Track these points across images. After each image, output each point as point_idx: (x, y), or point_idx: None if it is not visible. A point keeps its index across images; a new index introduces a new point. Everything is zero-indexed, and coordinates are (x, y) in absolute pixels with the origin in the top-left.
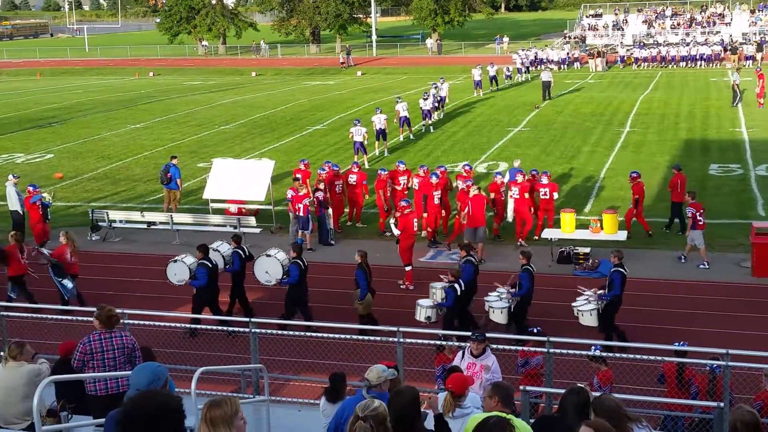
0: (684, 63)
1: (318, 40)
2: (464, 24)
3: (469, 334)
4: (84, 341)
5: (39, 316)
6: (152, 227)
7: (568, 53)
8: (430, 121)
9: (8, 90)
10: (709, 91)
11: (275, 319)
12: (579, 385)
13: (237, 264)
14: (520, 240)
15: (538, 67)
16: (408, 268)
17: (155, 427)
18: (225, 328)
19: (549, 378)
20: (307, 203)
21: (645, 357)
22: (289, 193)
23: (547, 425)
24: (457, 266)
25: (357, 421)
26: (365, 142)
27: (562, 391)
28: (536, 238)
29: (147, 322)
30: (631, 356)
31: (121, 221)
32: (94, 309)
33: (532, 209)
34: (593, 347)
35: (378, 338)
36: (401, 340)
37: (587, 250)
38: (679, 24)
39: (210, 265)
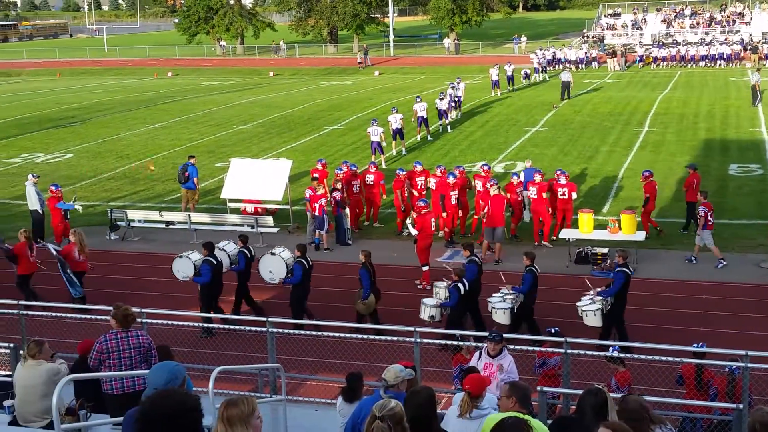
0: (703, 62)
1: (335, 40)
2: (482, 24)
3: (486, 334)
4: (100, 340)
5: (58, 315)
6: (170, 227)
7: (586, 53)
8: (447, 121)
9: (28, 90)
10: (729, 90)
11: (291, 318)
12: (597, 386)
13: (242, 263)
14: (544, 241)
15: (556, 66)
16: (425, 268)
17: (173, 426)
18: (242, 327)
19: (566, 379)
20: (323, 203)
21: (664, 358)
22: (307, 193)
23: (564, 426)
24: (461, 266)
25: (374, 420)
26: (383, 142)
27: (580, 392)
28: (554, 238)
29: (165, 322)
30: (650, 357)
31: (139, 221)
32: (111, 308)
33: (550, 209)
34: (611, 348)
35: (395, 338)
36: (418, 340)
37: (605, 250)
38: (698, 23)
39: (214, 263)
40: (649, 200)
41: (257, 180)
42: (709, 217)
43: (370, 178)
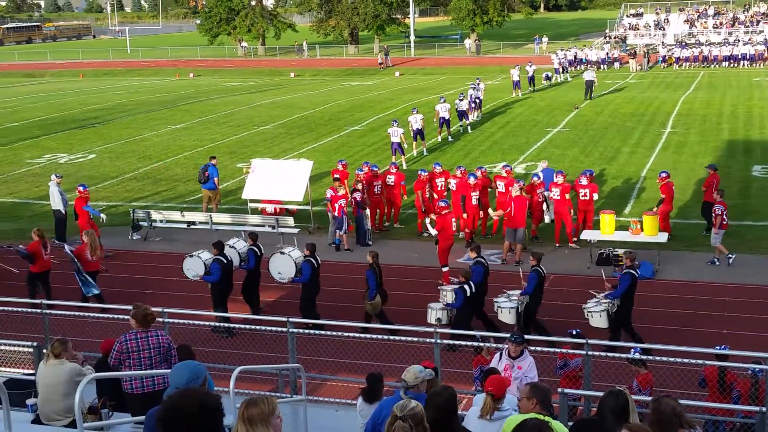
0: (726, 63)
1: (356, 41)
2: (503, 24)
3: (508, 335)
4: (120, 340)
5: (81, 314)
6: (192, 227)
7: (607, 53)
8: (467, 122)
9: (52, 91)
10: (752, 91)
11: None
12: (618, 388)
13: (252, 261)
14: (569, 243)
15: (577, 67)
16: (445, 269)
17: (195, 426)
18: (263, 327)
19: (587, 380)
20: (343, 204)
21: (686, 360)
22: (329, 193)
23: (585, 428)
24: (468, 267)
25: (396, 421)
26: (403, 143)
27: (601, 393)
28: (575, 239)
29: (187, 321)
30: (672, 359)
31: (161, 221)
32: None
33: (572, 210)
34: (632, 350)
35: (415, 339)
36: (438, 341)
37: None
38: (721, 23)
39: (225, 262)
40: (665, 201)
41: (278, 180)
42: (724, 216)
43: (390, 179)
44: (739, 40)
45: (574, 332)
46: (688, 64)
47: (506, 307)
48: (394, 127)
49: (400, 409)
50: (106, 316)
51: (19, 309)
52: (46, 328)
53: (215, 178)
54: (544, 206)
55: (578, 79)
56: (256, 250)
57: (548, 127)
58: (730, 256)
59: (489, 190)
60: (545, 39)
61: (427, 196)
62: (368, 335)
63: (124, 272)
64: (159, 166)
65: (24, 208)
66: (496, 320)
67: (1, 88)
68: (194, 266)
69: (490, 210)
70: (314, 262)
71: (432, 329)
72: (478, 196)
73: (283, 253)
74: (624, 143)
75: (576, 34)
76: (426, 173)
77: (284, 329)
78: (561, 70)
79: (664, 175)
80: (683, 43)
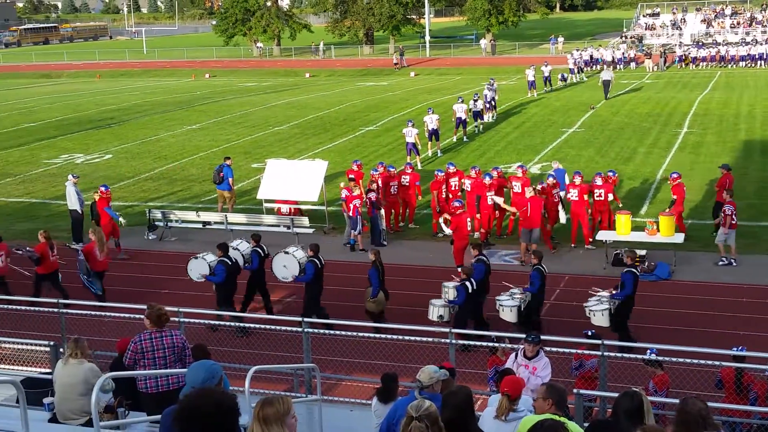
0: (744, 63)
1: (371, 41)
2: (518, 24)
3: (525, 336)
4: (135, 340)
5: (97, 313)
6: (207, 227)
7: (623, 53)
8: (481, 122)
9: (68, 91)
10: None
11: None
12: (634, 389)
13: (255, 262)
14: (585, 244)
15: (593, 67)
16: (461, 269)
17: (211, 425)
18: (277, 327)
19: (603, 381)
20: (358, 204)
21: (703, 362)
22: (344, 193)
23: (600, 430)
24: (469, 265)
25: (412, 421)
26: (417, 144)
27: (617, 395)
28: (591, 239)
29: (202, 321)
30: (689, 361)
31: (177, 221)
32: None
33: (590, 210)
34: (649, 351)
35: (430, 339)
36: (453, 341)
37: (643, 252)
38: (738, 23)
39: (229, 263)
40: (677, 202)
41: (293, 181)
42: (734, 217)
43: (405, 179)
44: (756, 40)
45: (589, 333)
46: (705, 63)
47: (508, 305)
48: (409, 127)
49: (415, 410)
50: (121, 315)
51: (36, 308)
52: (62, 328)
53: (230, 179)
54: (560, 206)
55: (594, 79)
56: (260, 251)
57: (564, 127)
58: (724, 260)
59: (504, 190)
60: (561, 39)
61: (444, 196)
62: (383, 335)
63: (140, 272)
64: (174, 167)
65: (41, 208)
66: (496, 319)
67: (19, 88)
68: (198, 268)
69: (505, 205)
70: (318, 262)
71: (447, 330)
72: (493, 196)
73: (287, 252)
74: (640, 143)
75: (592, 34)
76: (442, 173)
77: (299, 329)
78: (576, 70)
79: (675, 175)
80: (700, 43)
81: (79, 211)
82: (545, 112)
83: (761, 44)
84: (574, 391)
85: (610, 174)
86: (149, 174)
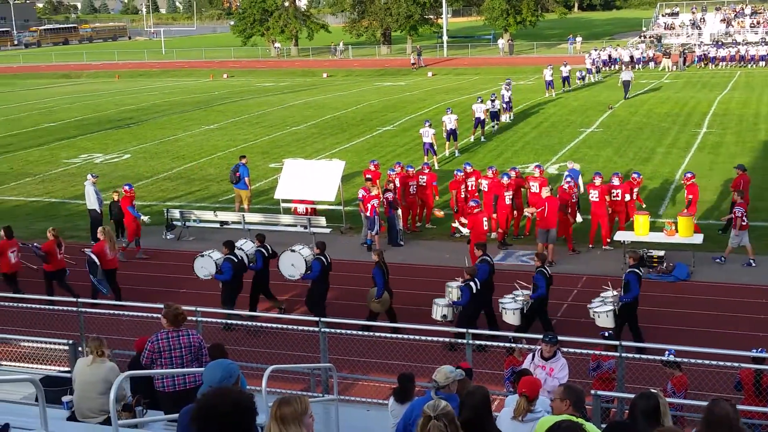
0: (763, 62)
1: (389, 41)
2: (536, 24)
3: (542, 336)
4: (152, 339)
5: (115, 312)
6: (225, 227)
7: (642, 53)
8: (496, 123)
9: (88, 91)
10: None
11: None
12: (652, 390)
13: (260, 262)
14: (603, 245)
15: (611, 67)
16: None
17: (229, 424)
18: (294, 327)
19: (621, 383)
20: (375, 204)
21: (721, 363)
22: (361, 193)
23: (617, 431)
24: (473, 265)
25: (430, 421)
26: (434, 144)
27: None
28: (609, 240)
29: (219, 321)
30: (707, 362)
31: (195, 220)
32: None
33: (610, 210)
34: (667, 352)
35: (446, 339)
36: (470, 341)
37: (661, 253)
38: (758, 23)
39: (236, 260)
40: (692, 202)
41: (310, 180)
42: (744, 218)
43: (422, 179)
44: None
45: (606, 334)
46: (724, 63)
47: (510, 308)
48: (426, 127)
49: (432, 409)
50: (139, 314)
51: (54, 307)
52: (81, 327)
53: (246, 178)
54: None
55: (613, 78)
56: (264, 251)
57: (582, 127)
58: (723, 257)
59: (521, 190)
60: (579, 39)
61: (462, 196)
62: (400, 335)
63: (158, 271)
64: (192, 166)
65: (60, 207)
66: (500, 320)
67: (39, 88)
68: (206, 266)
69: (526, 210)
70: (324, 260)
71: (464, 330)
72: (511, 196)
73: (293, 251)
74: (659, 144)
75: (610, 33)
76: (461, 173)
77: (316, 329)
78: (594, 70)
79: (689, 175)
80: (720, 43)
81: (98, 211)
82: (563, 112)
83: None
84: (592, 392)
85: (635, 175)
86: (167, 174)
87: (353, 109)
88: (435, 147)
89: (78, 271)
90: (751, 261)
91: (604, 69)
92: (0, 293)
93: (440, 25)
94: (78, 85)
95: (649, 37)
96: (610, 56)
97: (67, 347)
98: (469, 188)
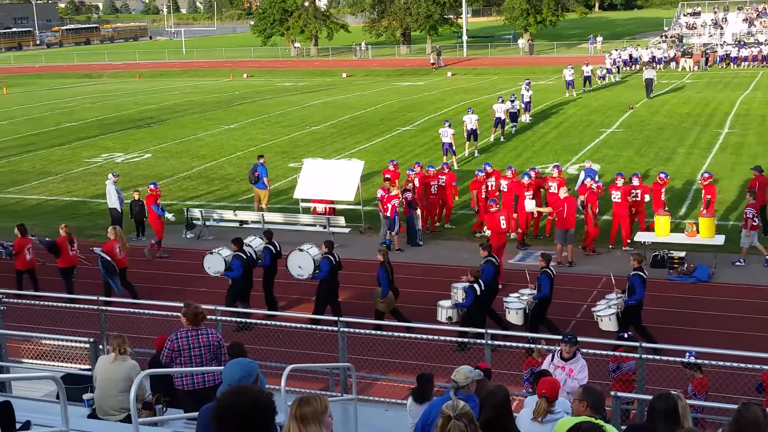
0: None
1: (408, 41)
2: (557, 24)
3: (561, 336)
4: (172, 338)
5: (135, 310)
6: (244, 226)
7: (664, 52)
8: (513, 124)
9: (109, 91)
10: None
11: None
12: (673, 392)
13: (267, 259)
14: (623, 246)
15: (632, 66)
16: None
17: (249, 423)
18: (313, 326)
19: (641, 384)
20: (396, 204)
21: (743, 365)
22: (379, 193)
23: None
24: (478, 266)
25: (450, 421)
26: (453, 144)
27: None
28: (629, 241)
29: (238, 320)
30: (729, 364)
31: (215, 220)
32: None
33: (634, 210)
34: (688, 354)
35: (465, 340)
36: (489, 342)
37: (682, 254)
38: None
39: (244, 257)
40: (710, 203)
41: (329, 180)
42: (755, 219)
43: (442, 180)
44: None
45: (626, 335)
46: (746, 63)
47: (514, 308)
48: (445, 127)
49: (451, 409)
50: (159, 313)
51: (74, 305)
52: (102, 325)
53: (264, 178)
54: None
55: (633, 78)
56: (272, 248)
57: (602, 127)
58: (742, 260)
59: (541, 190)
60: (599, 38)
61: (483, 196)
62: (419, 335)
63: (178, 270)
64: (212, 166)
65: (81, 206)
66: (504, 319)
67: (61, 88)
68: (214, 263)
69: (540, 208)
70: (332, 259)
71: (483, 330)
72: (532, 196)
73: (302, 250)
74: (680, 144)
75: (631, 33)
76: (482, 173)
77: (335, 328)
78: (614, 70)
79: (706, 175)
80: (742, 43)
81: (119, 210)
82: (583, 112)
83: None
84: (612, 393)
85: (662, 175)
86: (187, 173)
87: (372, 109)
88: (454, 147)
89: (90, 270)
90: (742, 260)
91: (624, 69)
92: (21, 291)
93: (460, 25)
94: (99, 84)
95: (671, 37)
96: (630, 56)
97: (88, 345)
98: (490, 188)
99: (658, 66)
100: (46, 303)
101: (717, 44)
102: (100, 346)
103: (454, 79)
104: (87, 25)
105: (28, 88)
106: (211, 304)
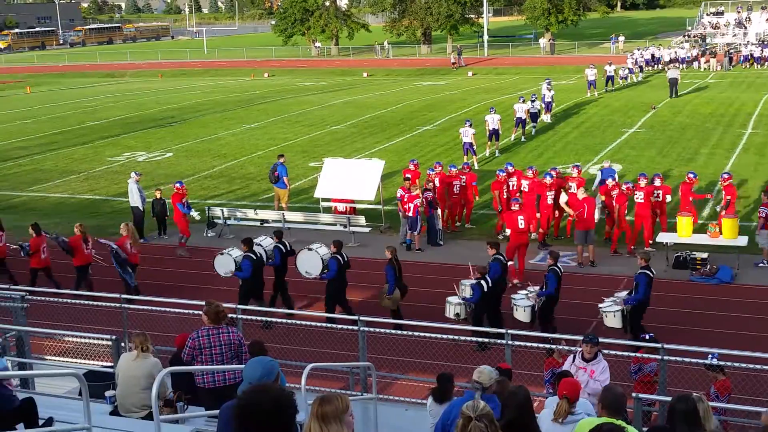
0: None
1: (429, 41)
2: (578, 23)
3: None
4: (193, 336)
5: (156, 309)
6: (265, 225)
7: (687, 52)
8: (533, 125)
9: (131, 90)
10: None
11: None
12: (695, 393)
13: (278, 258)
14: (645, 247)
15: (654, 66)
16: (509, 263)
17: (270, 422)
18: (333, 325)
19: (663, 386)
20: (418, 204)
21: (766, 367)
22: (399, 193)
23: None
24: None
25: (471, 422)
26: (474, 144)
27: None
28: (651, 241)
29: (258, 318)
30: (752, 366)
31: (235, 218)
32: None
33: (659, 211)
34: (710, 355)
35: (486, 340)
36: (510, 342)
37: (705, 255)
38: None
39: (254, 258)
40: (730, 203)
41: (350, 180)
42: None
43: (463, 179)
44: None
45: (647, 336)
46: None
47: (522, 305)
48: (466, 127)
49: (472, 410)
50: (180, 311)
51: (96, 303)
52: (125, 322)
53: (284, 177)
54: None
55: (656, 78)
56: (282, 247)
57: (624, 127)
58: (765, 261)
59: (562, 190)
60: (621, 38)
61: (504, 196)
62: (439, 335)
63: (199, 268)
64: (233, 165)
65: (104, 204)
66: (509, 319)
67: (84, 87)
68: (225, 264)
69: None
70: (341, 258)
71: (503, 330)
72: (554, 196)
73: (310, 249)
74: (702, 144)
75: (654, 33)
76: (504, 173)
77: (355, 327)
78: (636, 70)
79: (726, 176)
80: (765, 42)
81: (141, 208)
82: (605, 112)
83: None
84: (633, 395)
85: (690, 175)
86: (209, 172)
87: (393, 109)
88: (475, 147)
89: (106, 268)
90: (765, 262)
91: (646, 69)
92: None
93: (481, 25)
94: (122, 84)
95: (693, 37)
96: (653, 56)
97: (110, 342)
98: (511, 188)
99: (681, 66)
100: (69, 300)
101: (741, 44)
102: (122, 344)
103: (474, 79)
104: (109, 25)
105: (52, 88)
106: (232, 303)
